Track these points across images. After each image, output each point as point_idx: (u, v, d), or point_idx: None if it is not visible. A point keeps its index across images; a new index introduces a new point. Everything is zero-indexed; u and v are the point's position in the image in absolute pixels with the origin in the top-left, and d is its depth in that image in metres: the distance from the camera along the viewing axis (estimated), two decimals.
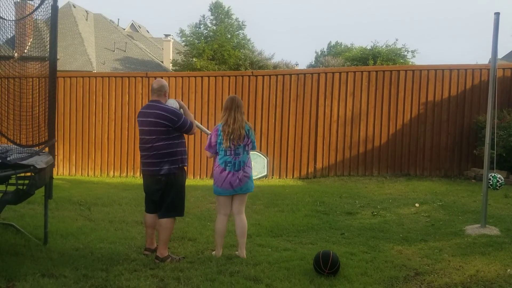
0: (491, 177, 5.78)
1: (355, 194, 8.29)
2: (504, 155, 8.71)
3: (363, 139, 10.39)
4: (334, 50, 52.90)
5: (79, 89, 10.66)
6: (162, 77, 10.55)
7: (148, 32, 49.66)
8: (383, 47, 32.60)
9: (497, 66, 10.04)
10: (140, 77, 10.76)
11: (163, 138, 4.60)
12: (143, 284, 4.03)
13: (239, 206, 4.82)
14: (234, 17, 35.22)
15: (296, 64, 38.96)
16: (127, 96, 10.69)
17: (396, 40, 34.56)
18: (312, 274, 4.27)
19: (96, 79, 10.81)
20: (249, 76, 10.60)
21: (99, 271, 4.33)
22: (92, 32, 38.75)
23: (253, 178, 9.98)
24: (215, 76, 10.72)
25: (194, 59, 32.29)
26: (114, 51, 37.10)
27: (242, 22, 35.42)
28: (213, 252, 4.80)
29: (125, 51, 37.21)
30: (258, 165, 10.37)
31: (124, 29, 43.68)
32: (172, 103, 4.79)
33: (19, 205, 6.78)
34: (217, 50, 32.27)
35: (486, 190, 5.83)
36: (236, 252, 4.89)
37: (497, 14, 5.68)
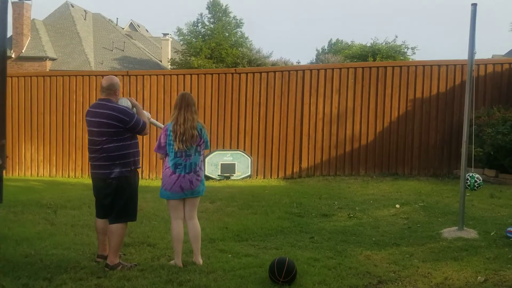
0: (468, 177, 5.48)
1: (336, 194, 8.01)
2: (492, 153, 8.39)
3: (349, 138, 10.10)
4: (335, 48, 52.56)
5: (59, 88, 10.44)
6: (143, 75, 10.35)
7: (148, 31, 49.47)
8: (382, 44, 32.22)
9: (488, 62, 9.78)
10: (121, 75, 10.51)
11: (114, 139, 4.33)
12: None
13: (191, 211, 4.55)
14: (231, 15, 34.97)
15: (298, 62, 38.60)
16: None
17: (396, 37, 34.27)
18: (266, 283, 4.00)
19: (76, 78, 10.58)
20: (232, 74, 10.34)
21: (42, 280, 4.09)
22: (90, 31, 38.61)
23: (237, 178, 9.92)
24: (198, 74, 10.47)
25: (191, 58, 32.05)
26: (112, 50, 36.95)
27: (239, 20, 35.16)
28: (171, 262, 4.52)
29: (123, 50, 37.06)
30: (242, 165, 10.12)
31: (123, 29, 43.50)
32: (124, 102, 4.52)
33: None
34: (215, 49, 32.00)
35: (463, 191, 5.54)
36: (193, 259, 4.63)
37: (474, 5, 5.40)
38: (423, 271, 4.34)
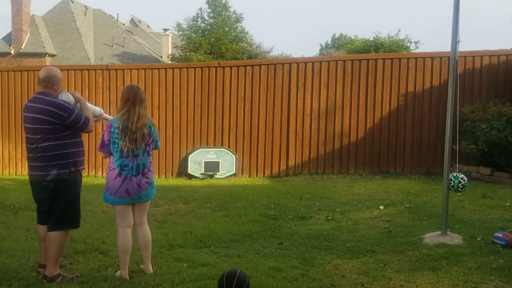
0: (452, 177, 5.01)
1: (318, 195, 7.55)
2: (486, 150, 7.89)
3: (338, 134, 9.62)
4: (338, 43, 51.79)
5: (36, 85, 10.02)
6: (123, 70, 9.94)
7: (149, 27, 49.09)
8: (385, 38, 31.61)
9: (484, 54, 9.24)
10: (101, 69, 10.11)
11: (50, 137, 3.90)
12: None
13: (141, 216, 4.13)
14: (231, 9, 34.40)
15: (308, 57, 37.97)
16: (87, 90, 10.05)
17: (399, 31, 33.45)
18: None
19: None
20: (215, 67, 9.88)
21: None
22: (91, 27, 38.29)
23: (221, 177, 9.49)
24: (180, 68, 10.03)
25: (191, 53, 31.61)
26: (112, 46, 36.64)
27: (240, 15, 34.58)
28: (117, 273, 4.09)
29: (123, 46, 36.73)
30: (226, 163, 9.69)
31: (124, 24, 43.16)
32: (65, 96, 4.09)
33: None
34: (214, 44, 31.53)
35: (447, 192, 5.07)
36: (141, 266, 4.21)
37: None
38: (395, 283, 3.90)
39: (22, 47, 33.32)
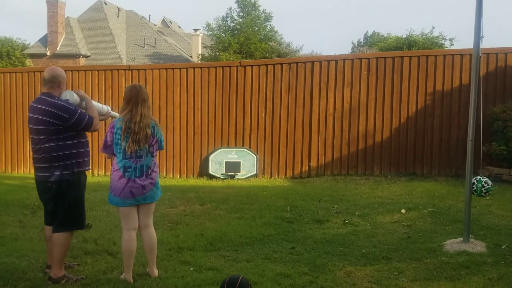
0: (475, 181, 4.71)
1: (338, 197, 7.32)
2: None
3: (362, 134, 9.33)
4: (371, 40, 50.89)
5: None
6: (145, 70, 9.97)
7: (180, 27, 49.62)
8: (419, 35, 30.77)
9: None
10: (123, 70, 10.18)
11: (53, 138, 3.88)
12: None
13: (146, 218, 4.05)
14: (261, 8, 34.28)
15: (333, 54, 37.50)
16: (110, 90, 10.14)
17: (433, 28, 32.39)
18: None
19: (79, 72, 10.33)
20: (236, 66, 9.77)
21: None
22: (123, 28, 39.01)
23: (242, 177, 9.38)
24: (201, 68, 9.97)
25: (220, 53, 31.71)
26: (144, 47, 37.21)
27: (269, 14, 34.43)
28: (122, 276, 4.04)
29: (154, 47, 37.22)
30: (247, 163, 9.57)
31: (156, 25, 43.76)
32: (68, 95, 4.05)
33: None
34: (244, 43, 31.53)
35: (469, 196, 4.78)
36: (147, 270, 4.14)
37: None
38: None
39: (58, 48, 34.25)
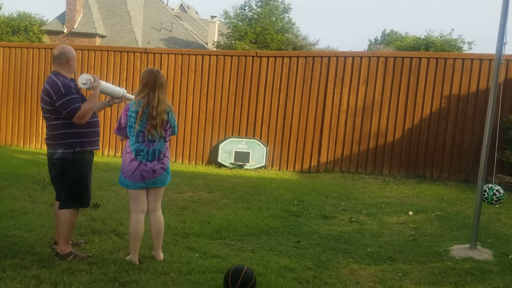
0: (487, 188, 4.67)
1: (346, 194, 7.31)
2: None
3: (374, 133, 9.28)
4: (388, 39, 50.44)
5: (78, 63, 10.19)
6: (161, 54, 9.97)
7: (197, 13, 49.50)
8: (437, 37, 30.43)
9: None
10: (139, 52, 10.19)
11: (54, 117, 3.90)
12: (12, 286, 3.43)
13: (155, 202, 4.07)
14: None
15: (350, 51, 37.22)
16: (125, 72, 10.16)
17: (452, 30, 32.07)
18: None
19: (95, 52, 10.35)
20: (253, 56, 9.73)
21: None
22: (141, 11, 38.97)
23: (251, 168, 9.38)
24: (217, 55, 9.94)
25: (236, 42, 31.59)
26: (160, 30, 37.17)
27: (287, 5, 34.19)
28: (128, 257, 4.07)
29: (171, 31, 37.19)
30: (257, 154, 9.57)
31: (173, 9, 43.71)
32: (85, 80, 4.02)
33: None
34: (260, 33, 31.36)
35: (479, 203, 4.74)
36: (152, 253, 4.17)
37: None
38: None
39: (75, 26, 34.32)
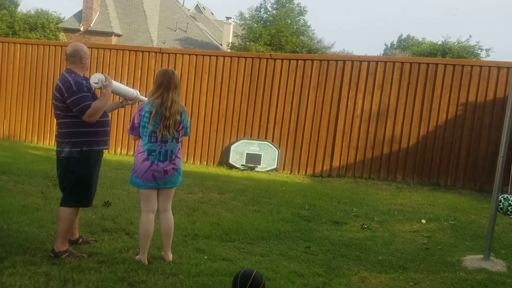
0: (502, 199, 4.57)
1: (358, 200, 7.23)
2: None
3: (388, 139, 9.19)
4: (404, 44, 50.09)
5: (93, 61, 10.28)
6: (176, 54, 9.99)
7: (213, 14, 49.66)
8: (454, 43, 30.18)
9: None
10: (154, 52, 10.22)
11: (64, 115, 3.89)
12: (21, 282, 3.42)
13: (165, 203, 4.06)
14: (295, 2, 34.03)
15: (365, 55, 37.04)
16: (139, 71, 10.20)
17: (470, 36, 31.81)
18: None
19: (110, 51, 10.41)
20: (267, 59, 9.70)
21: None
22: (157, 10, 39.22)
23: (262, 170, 9.35)
24: (231, 57, 9.93)
25: (250, 43, 31.65)
26: (175, 31, 37.36)
27: (303, 8, 34.20)
28: (137, 257, 4.06)
29: (186, 31, 37.36)
30: (268, 156, 9.53)
31: (189, 10, 43.90)
32: (97, 79, 4.02)
33: None
34: (275, 35, 31.40)
35: (494, 213, 4.65)
36: (162, 253, 4.15)
37: None
38: None
39: (91, 25, 34.64)
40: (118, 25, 35.72)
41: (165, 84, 3.88)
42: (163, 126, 3.83)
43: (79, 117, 3.86)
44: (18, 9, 36.50)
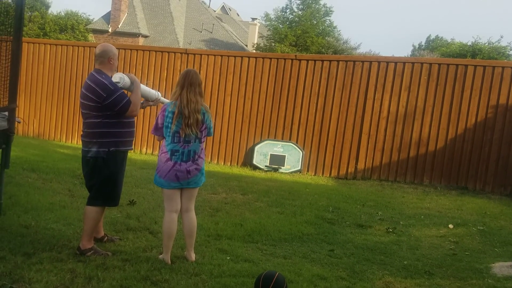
0: None
1: (384, 203, 7.11)
2: None
3: (415, 141, 9.02)
4: (433, 45, 49.18)
5: (120, 62, 10.44)
6: (201, 55, 10.05)
7: (238, 15, 49.84)
8: (485, 44, 29.46)
9: None
10: (180, 53, 10.31)
11: (93, 115, 3.94)
12: (48, 279, 3.49)
13: (188, 202, 4.07)
14: (322, 2, 33.82)
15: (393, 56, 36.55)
16: (165, 72, 10.31)
17: (501, 37, 30.97)
18: None
19: (137, 52, 10.54)
20: (292, 59, 9.66)
21: (21, 255, 3.87)
22: (183, 12, 39.61)
23: (286, 171, 9.31)
24: (256, 57, 9.92)
25: (275, 44, 31.61)
26: (201, 32, 37.66)
27: (329, 8, 33.94)
28: (160, 256, 4.09)
29: (211, 32, 37.61)
30: (292, 158, 9.48)
31: (215, 11, 44.18)
32: (118, 78, 4.06)
33: (15, 172, 6.67)
34: (300, 36, 31.29)
35: None
36: (185, 253, 4.17)
37: None
38: None
39: (119, 26, 35.23)
40: (145, 26, 36.21)
41: (181, 84, 3.93)
42: (184, 124, 3.85)
43: (108, 118, 3.92)
44: (49, 11, 37.41)
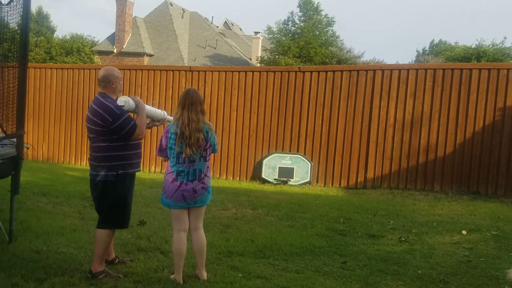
0: None
1: (395, 212, 7.05)
2: None
3: (424, 148, 8.96)
4: (437, 49, 49.13)
5: (125, 82, 10.53)
6: (205, 71, 10.11)
7: (241, 30, 50.20)
8: (489, 46, 29.38)
9: None
10: (184, 70, 10.38)
11: (101, 139, 3.96)
12: None
13: (196, 221, 4.06)
14: (323, 13, 34.04)
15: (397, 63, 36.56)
16: (170, 90, 10.38)
17: (505, 38, 30.91)
18: None
19: (142, 72, 10.64)
20: (295, 72, 9.69)
21: (33, 281, 3.89)
22: (186, 29, 40.03)
23: (295, 184, 9.28)
24: (260, 71, 9.97)
25: (279, 56, 31.77)
26: (205, 48, 37.98)
27: (331, 19, 34.13)
28: (172, 276, 4.08)
29: (215, 48, 37.92)
30: (301, 170, 9.46)
31: (218, 27, 44.55)
32: (124, 101, 4.10)
33: (25, 197, 6.72)
34: (303, 47, 31.43)
35: None
36: (196, 272, 4.15)
37: None
38: None
39: (124, 46, 35.66)
40: (150, 45, 36.61)
41: (182, 103, 3.94)
42: (185, 144, 3.85)
43: (115, 141, 3.94)
44: (55, 35, 37.99)
